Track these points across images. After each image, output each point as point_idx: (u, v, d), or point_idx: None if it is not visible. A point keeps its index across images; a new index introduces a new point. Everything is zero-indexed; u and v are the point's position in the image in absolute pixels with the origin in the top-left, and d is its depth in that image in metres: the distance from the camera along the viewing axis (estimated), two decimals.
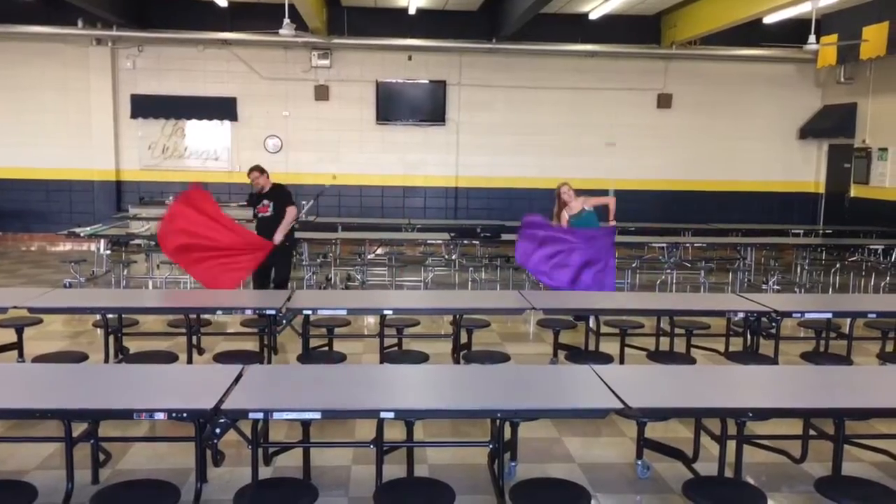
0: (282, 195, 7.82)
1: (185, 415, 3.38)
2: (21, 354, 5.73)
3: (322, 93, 13.56)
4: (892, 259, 10.55)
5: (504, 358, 5.29)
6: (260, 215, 7.74)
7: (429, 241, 10.86)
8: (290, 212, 7.78)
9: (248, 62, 13.43)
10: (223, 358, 5.03)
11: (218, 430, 3.28)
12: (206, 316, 6.58)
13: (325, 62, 13.39)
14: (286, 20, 9.34)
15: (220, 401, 3.28)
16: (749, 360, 5.38)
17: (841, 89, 13.45)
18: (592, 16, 12.73)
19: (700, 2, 12.00)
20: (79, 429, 3.99)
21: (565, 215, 7.68)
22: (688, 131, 14.12)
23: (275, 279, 7.85)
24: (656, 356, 5.57)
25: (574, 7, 12.64)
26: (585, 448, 4.82)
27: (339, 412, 3.69)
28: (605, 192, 13.61)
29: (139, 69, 13.37)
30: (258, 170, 7.84)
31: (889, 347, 6.36)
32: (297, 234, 8.82)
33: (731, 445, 3.94)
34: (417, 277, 10.26)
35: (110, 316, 5.64)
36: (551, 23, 12.87)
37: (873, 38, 11.05)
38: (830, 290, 10.30)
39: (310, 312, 5.54)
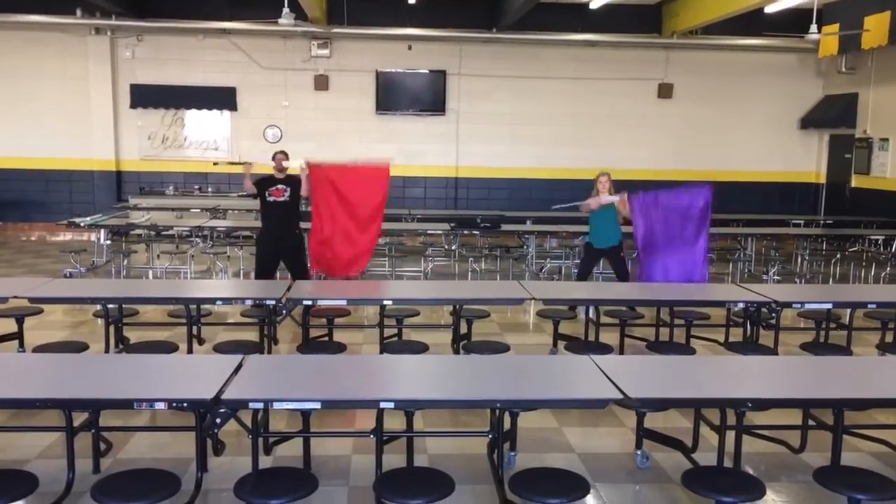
0: (297, 184, 7.75)
1: (185, 404, 3.39)
2: (21, 344, 5.74)
3: (321, 82, 13.52)
4: (893, 249, 10.54)
5: (504, 348, 5.29)
6: (274, 199, 7.60)
7: (429, 232, 10.84)
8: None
9: (247, 52, 13.38)
10: (223, 348, 5.04)
11: (218, 420, 3.29)
12: (206, 306, 6.58)
13: (325, 52, 13.34)
14: (285, 9, 9.30)
15: (221, 391, 3.29)
16: (749, 350, 5.39)
17: (842, 79, 13.41)
18: (593, 5, 12.66)
19: None
20: (80, 418, 4.00)
21: (591, 203, 7.63)
22: (689, 121, 14.09)
23: (293, 275, 7.74)
24: (656, 346, 5.57)
25: None
26: (585, 438, 4.83)
27: (339, 402, 3.70)
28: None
29: (138, 59, 13.33)
30: (286, 154, 7.82)
31: (889, 338, 6.36)
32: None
33: (731, 435, 3.95)
34: (417, 268, 10.27)
35: (111, 306, 5.65)
36: (552, 12, 12.82)
37: (875, 27, 11.01)
38: (831, 280, 10.30)
39: (310, 302, 5.54)
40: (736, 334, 6.30)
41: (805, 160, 14.44)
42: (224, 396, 3.25)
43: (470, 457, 4.37)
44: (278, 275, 7.89)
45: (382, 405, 3.41)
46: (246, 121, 13.67)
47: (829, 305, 5.84)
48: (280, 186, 7.63)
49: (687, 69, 13.91)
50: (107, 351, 5.65)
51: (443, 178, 14.04)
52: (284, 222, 7.60)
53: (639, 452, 4.43)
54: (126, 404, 3.56)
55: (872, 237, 10.93)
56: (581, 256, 8.11)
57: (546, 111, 13.89)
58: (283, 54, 13.48)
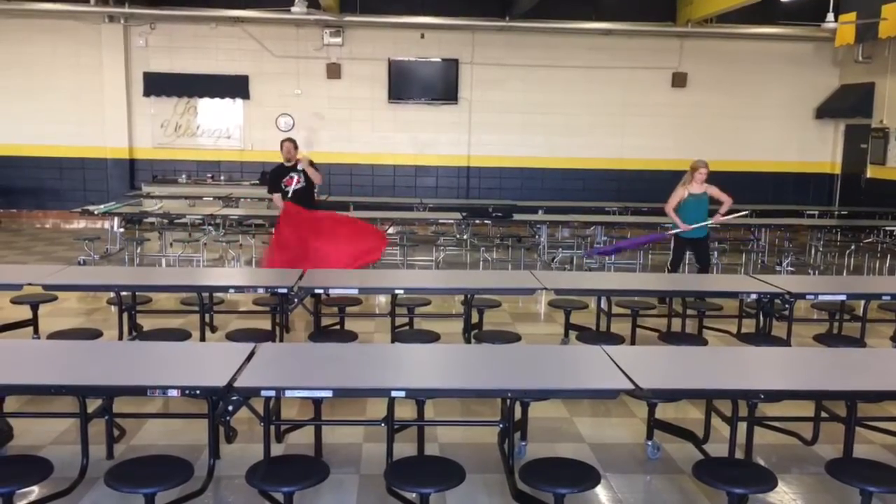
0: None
1: (198, 392, 3.41)
2: (36, 331, 5.79)
3: (334, 71, 13.50)
4: None
5: (515, 338, 5.28)
6: (290, 188, 7.65)
7: (440, 221, 10.83)
8: (318, 177, 7.91)
9: (260, 40, 13.38)
10: (236, 336, 5.06)
11: (230, 408, 3.31)
12: (219, 294, 6.61)
13: (338, 40, 13.31)
14: None
15: (233, 378, 3.31)
16: (761, 341, 5.36)
17: (859, 68, 13.26)
18: None
19: None
20: (93, 405, 4.04)
21: (684, 192, 7.67)
22: (703, 110, 13.98)
23: None
24: (668, 337, 5.56)
25: None
26: (596, 428, 4.83)
27: (350, 391, 3.71)
28: (619, 172, 13.61)
29: (151, 47, 13.34)
30: (294, 142, 7.80)
31: None
32: None
33: (742, 427, 3.94)
34: (429, 257, 10.27)
35: (124, 293, 5.68)
36: (565, 0, 12.73)
37: (893, 16, 10.87)
38: (845, 271, 10.23)
39: (321, 291, 5.55)
40: (749, 325, 6.27)
41: (820, 150, 14.30)
42: (236, 384, 3.27)
43: (481, 446, 4.38)
44: None
45: (393, 394, 3.42)
46: (258, 109, 13.67)
47: (843, 297, 5.80)
48: (292, 175, 7.66)
49: (701, 58, 13.79)
50: (120, 338, 5.69)
51: (454, 167, 14.00)
52: (305, 205, 7.64)
53: (650, 443, 4.43)
54: (139, 391, 3.59)
55: (887, 228, 10.82)
56: (672, 247, 8.21)
57: (559, 100, 13.82)
58: (296, 43, 13.46)
